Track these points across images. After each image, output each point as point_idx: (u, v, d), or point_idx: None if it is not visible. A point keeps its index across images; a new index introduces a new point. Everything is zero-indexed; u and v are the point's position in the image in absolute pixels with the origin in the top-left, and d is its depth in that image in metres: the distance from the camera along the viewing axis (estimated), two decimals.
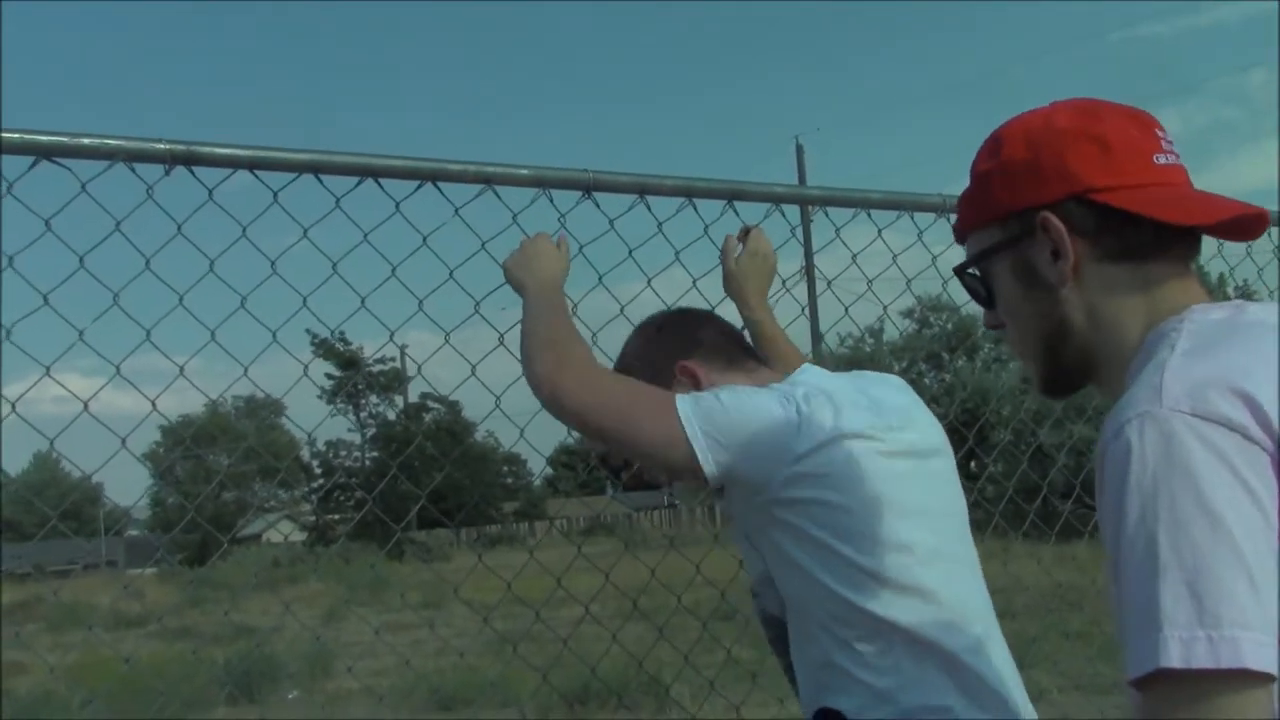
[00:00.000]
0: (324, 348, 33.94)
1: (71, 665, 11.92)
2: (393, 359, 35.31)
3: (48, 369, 2.14)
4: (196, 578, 25.96)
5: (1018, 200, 1.28)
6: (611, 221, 2.46)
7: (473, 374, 2.50)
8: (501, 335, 2.37)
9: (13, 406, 2.08)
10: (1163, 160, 1.26)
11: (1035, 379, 1.35)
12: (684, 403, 1.73)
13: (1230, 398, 1.04)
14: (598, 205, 2.41)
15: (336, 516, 35.80)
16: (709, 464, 1.70)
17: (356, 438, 38.63)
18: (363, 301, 2.38)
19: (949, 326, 26.72)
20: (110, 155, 2.02)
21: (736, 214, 2.50)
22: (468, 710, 9.13)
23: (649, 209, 2.49)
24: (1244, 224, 1.26)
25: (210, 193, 2.14)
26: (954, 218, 2.69)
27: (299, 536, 37.97)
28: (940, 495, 1.88)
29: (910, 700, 1.71)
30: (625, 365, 2.03)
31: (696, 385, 1.92)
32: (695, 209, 2.51)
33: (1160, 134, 1.28)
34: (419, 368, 2.62)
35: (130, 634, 17.82)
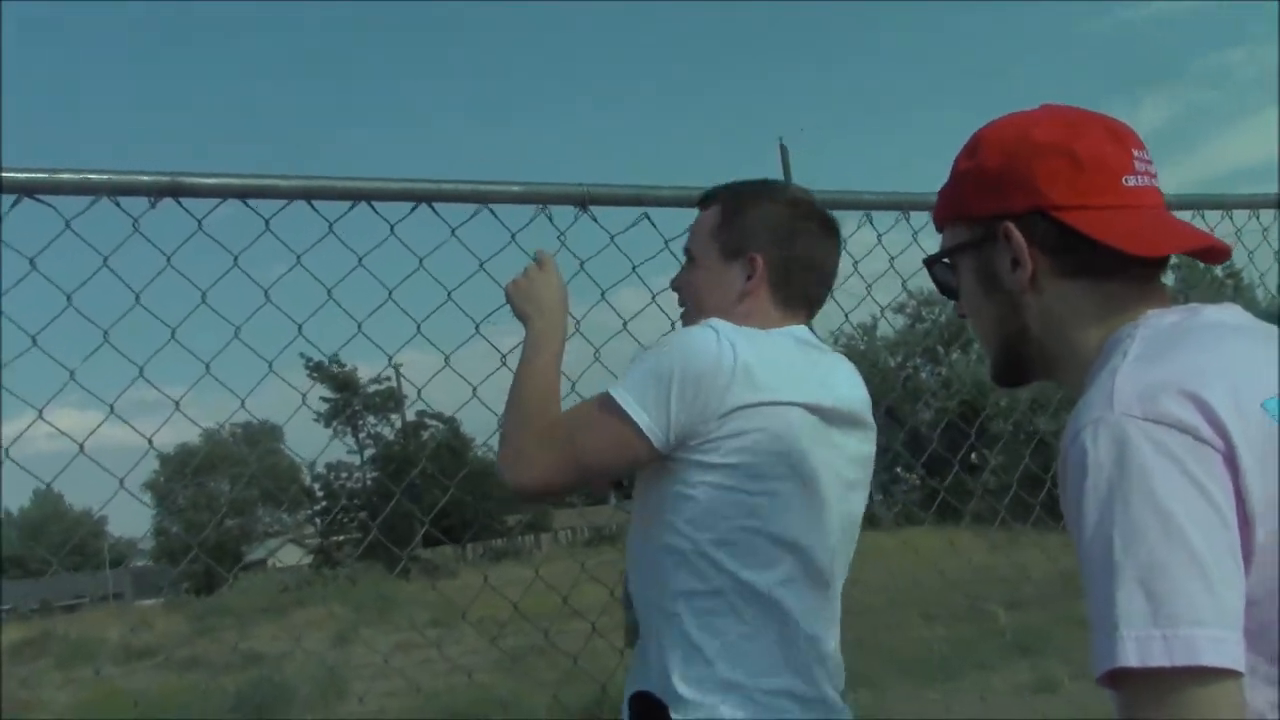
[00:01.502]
0: (319, 371, 33.89)
1: (82, 702, 11.86)
2: (388, 378, 35.29)
3: (40, 412, 2.10)
4: (204, 607, 25.91)
5: (985, 206, 1.30)
6: (612, 237, 2.43)
7: (474, 395, 2.46)
8: (504, 356, 2.35)
9: (6, 452, 2.04)
10: (1133, 182, 1.26)
11: (989, 368, 1.39)
12: (621, 398, 1.76)
13: (1180, 400, 1.06)
14: (594, 219, 2.38)
15: (341, 538, 35.75)
16: (660, 442, 1.75)
17: (356, 459, 38.60)
18: (359, 327, 2.34)
19: (942, 320, 26.73)
20: (93, 190, 1.98)
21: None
22: None
23: (650, 221, 2.46)
24: (1202, 255, 1.30)
25: (199, 223, 2.11)
26: None
27: (305, 560, 37.96)
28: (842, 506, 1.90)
29: (735, 671, 1.75)
30: (731, 198, 2.01)
31: (746, 278, 1.94)
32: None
33: (1138, 153, 1.28)
34: (418, 391, 2.57)
35: (140, 666, 17.76)
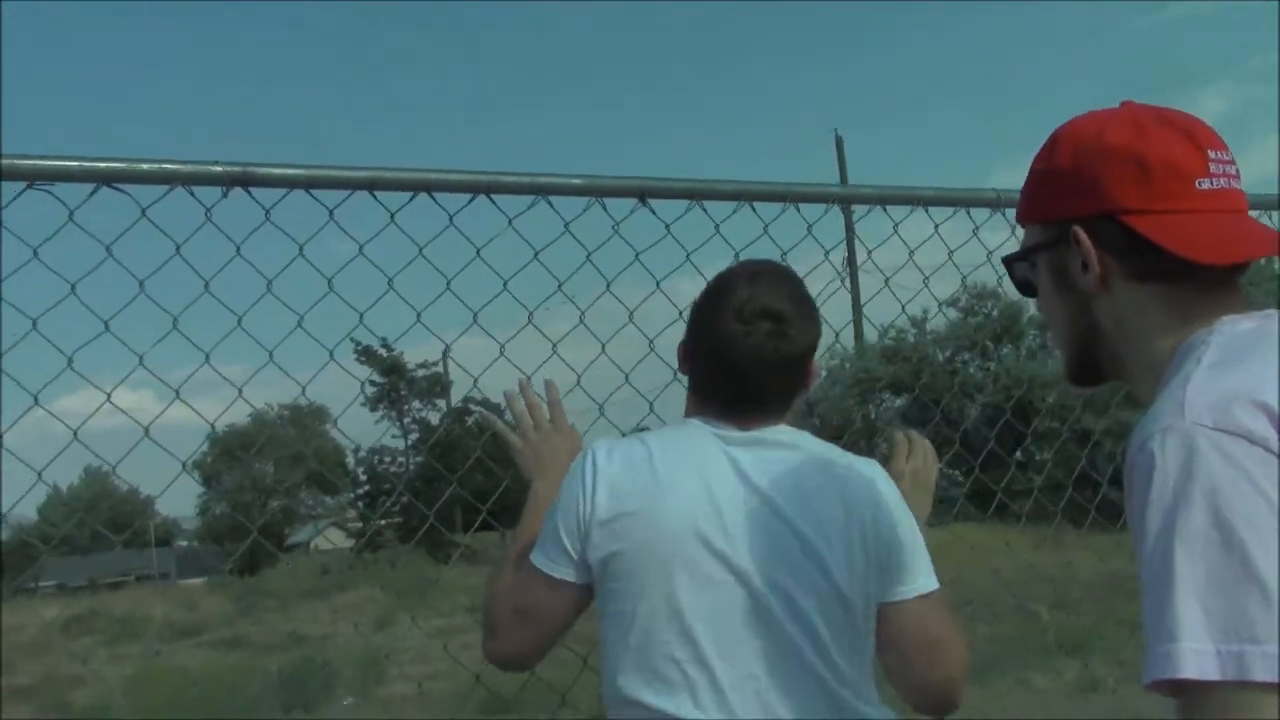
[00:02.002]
0: (367, 355, 34.14)
1: (129, 677, 12.06)
2: (434, 364, 35.47)
3: (109, 395, 2.16)
4: (246, 587, 26.24)
5: (1057, 208, 1.32)
6: (668, 227, 2.45)
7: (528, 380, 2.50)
8: (554, 345, 2.40)
9: (74, 433, 2.09)
10: (1206, 185, 1.25)
11: (1064, 368, 1.40)
12: (537, 561, 1.80)
13: (1253, 410, 1.05)
14: (654, 212, 2.41)
15: (383, 522, 36.00)
16: (577, 574, 1.78)
17: (400, 443, 38.87)
18: (418, 316, 2.39)
19: (994, 314, 26.52)
20: (168, 180, 2.03)
21: (797, 210, 2.50)
22: (521, 713, 9.14)
23: (705, 211, 2.48)
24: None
25: (267, 213, 2.14)
26: (1009, 212, 2.68)
27: (347, 543, 38.26)
28: None
29: None
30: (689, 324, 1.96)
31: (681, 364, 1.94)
32: (754, 209, 2.51)
33: (1214, 154, 1.26)
34: (475, 382, 2.59)
35: (185, 645, 18.03)
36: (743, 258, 2.59)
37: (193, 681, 12.07)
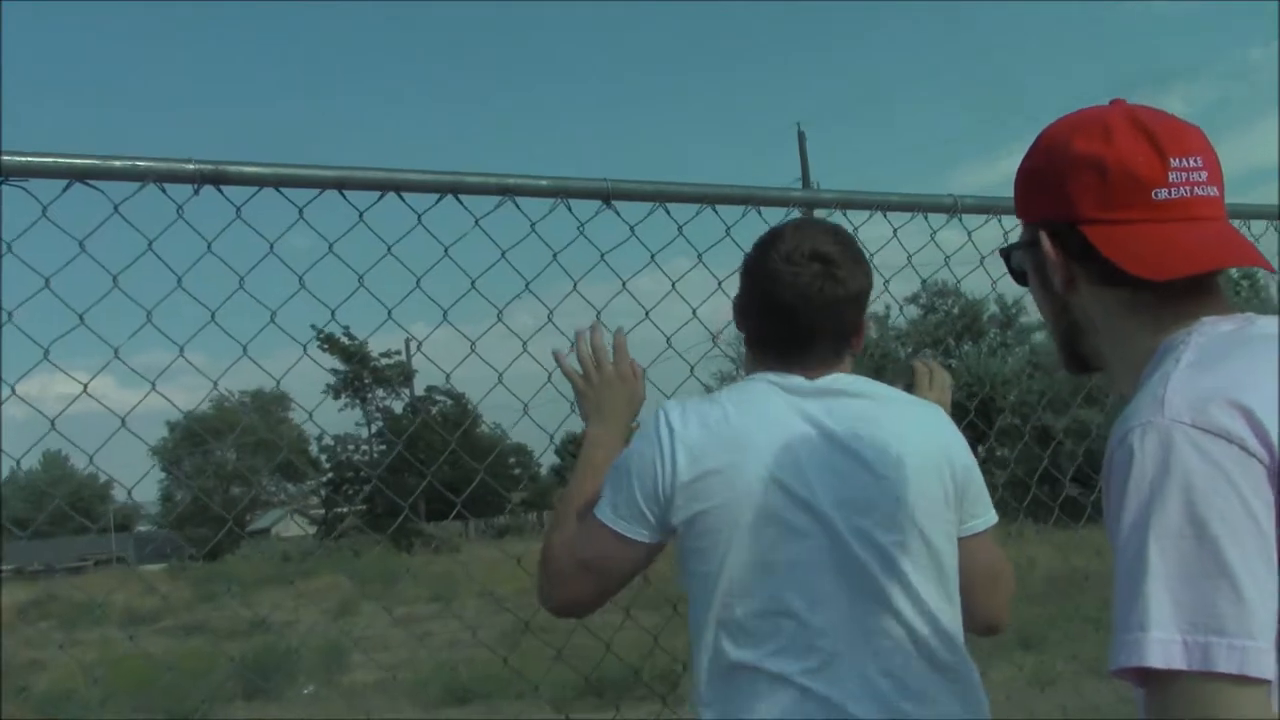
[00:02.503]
0: (330, 343, 34.01)
1: (90, 662, 12.00)
2: (398, 352, 35.38)
3: (85, 387, 2.19)
4: (207, 573, 26.07)
5: (1030, 209, 1.36)
6: (632, 228, 2.50)
7: (499, 382, 2.55)
8: (524, 343, 2.48)
9: (51, 423, 2.12)
10: (1164, 195, 1.24)
11: (1057, 357, 1.43)
12: (603, 516, 1.83)
13: (1230, 411, 1.08)
14: (618, 214, 2.45)
15: (345, 509, 35.90)
16: (648, 538, 1.82)
17: (363, 432, 38.76)
18: (389, 313, 2.42)
19: (955, 311, 26.74)
20: (141, 177, 2.05)
21: (759, 214, 2.56)
22: (485, 702, 9.20)
23: (668, 213, 2.53)
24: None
25: (238, 210, 2.17)
26: (966, 218, 2.74)
27: (309, 530, 38.10)
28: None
29: None
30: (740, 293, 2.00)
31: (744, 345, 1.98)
32: (715, 211, 2.56)
33: (1179, 161, 1.25)
34: (447, 376, 2.63)
35: (144, 630, 17.90)
36: (706, 259, 2.66)
37: (155, 667, 12.02)
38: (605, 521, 1.83)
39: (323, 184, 2.20)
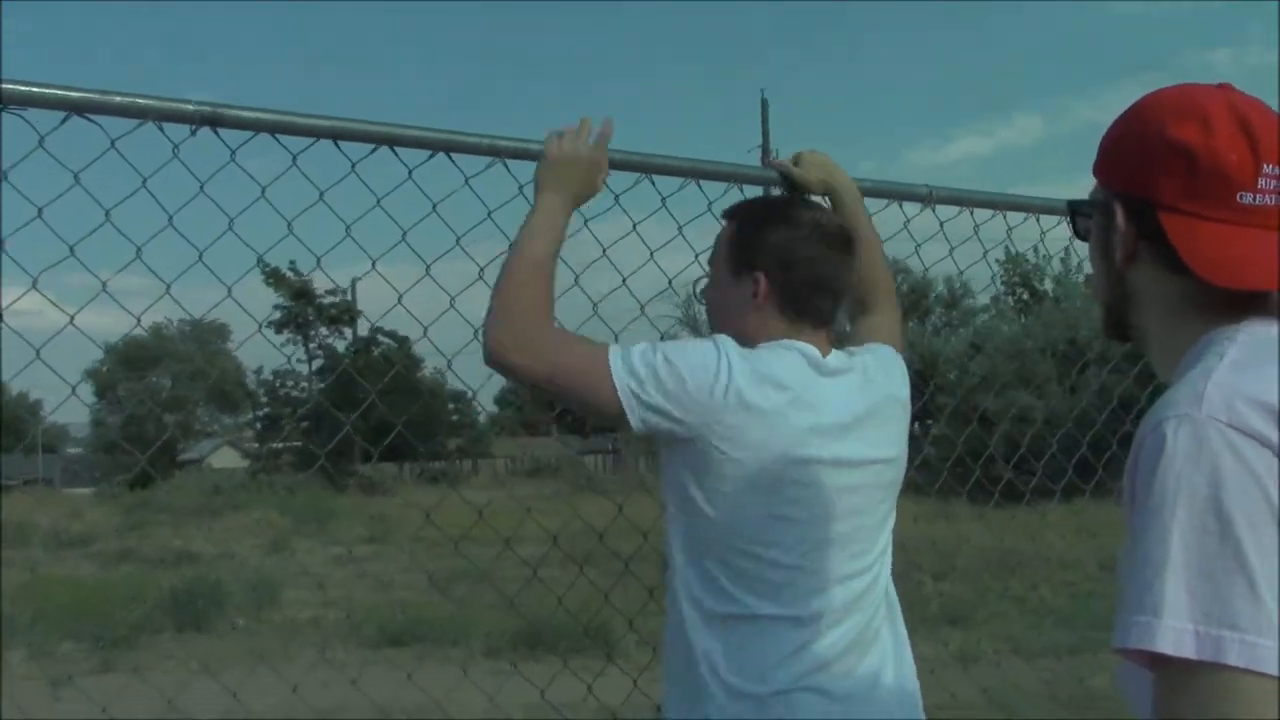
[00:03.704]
0: (275, 278, 33.66)
1: (17, 585, 11.87)
2: (344, 290, 35.06)
3: (72, 318, 2.21)
4: (136, 500, 25.80)
5: (1112, 176, 1.35)
6: (617, 197, 2.51)
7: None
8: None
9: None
10: (1248, 199, 1.24)
11: (1100, 320, 1.44)
12: (616, 365, 1.88)
13: (1265, 415, 1.10)
14: (605, 183, 2.47)
15: (280, 445, 35.64)
16: (636, 421, 1.88)
17: (304, 369, 38.42)
18: (374, 264, 2.45)
19: (904, 288, 26.98)
20: (140, 114, 2.06)
21: (740, 190, 2.60)
22: (421, 645, 9.23)
23: (653, 184, 2.56)
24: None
25: (233, 153, 2.19)
26: (940, 209, 2.78)
27: (242, 464, 37.84)
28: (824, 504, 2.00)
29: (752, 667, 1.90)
30: (745, 215, 2.13)
31: (750, 298, 2.04)
32: (700, 187, 2.60)
33: (1271, 168, 1.24)
34: (425, 326, 2.66)
35: (71, 555, 17.73)
36: (686, 232, 2.70)
37: (84, 591, 11.96)
38: (615, 371, 1.88)
39: (319, 133, 2.21)
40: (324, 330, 38.11)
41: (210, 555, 16.75)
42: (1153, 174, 1.27)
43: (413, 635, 9.64)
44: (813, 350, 2.00)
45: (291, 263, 30.71)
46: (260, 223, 2.45)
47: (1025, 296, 26.76)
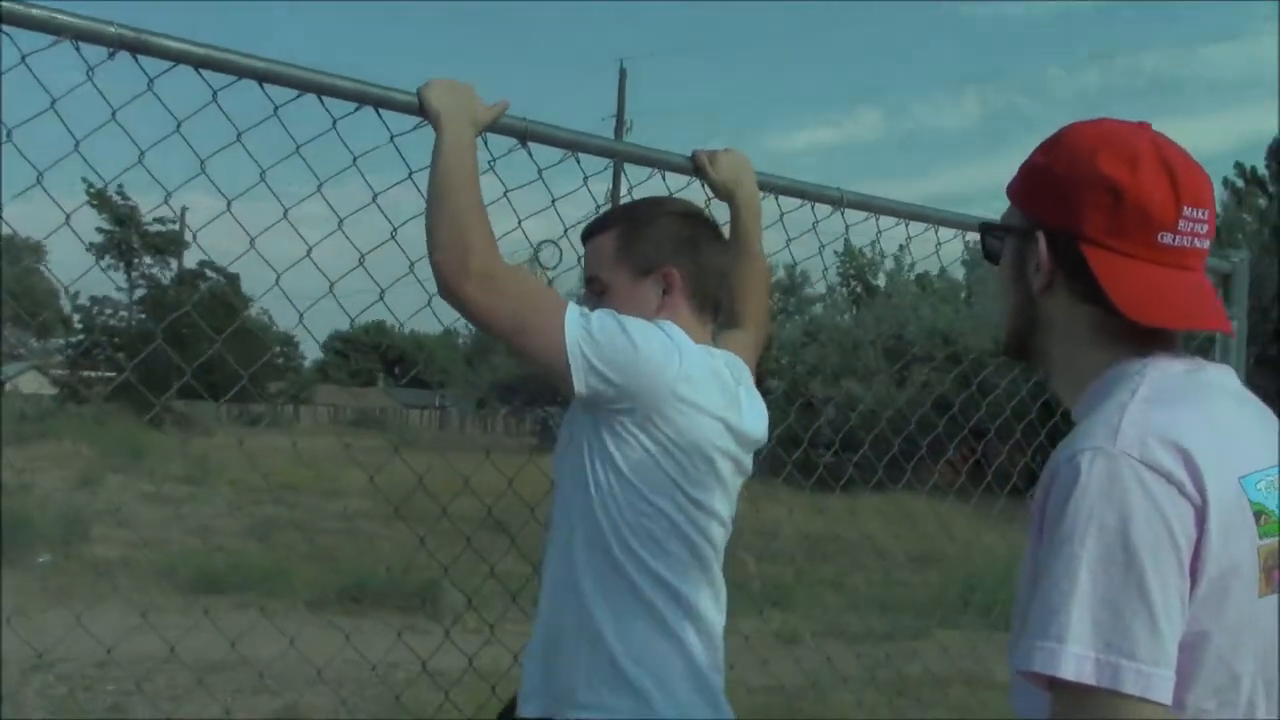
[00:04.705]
0: (100, 200, 32.14)
1: None
2: (172, 220, 33.74)
3: None
4: None
5: (1033, 205, 1.38)
6: (540, 171, 2.50)
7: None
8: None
9: None
10: (1168, 240, 1.29)
11: (1003, 340, 1.48)
12: (573, 323, 1.86)
13: (1174, 454, 1.17)
14: (530, 155, 2.43)
15: (93, 374, 34.16)
16: (580, 385, 1.86)
17: (124, 297, 36.85)
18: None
19: None
20: (58, 31, 1.94)
21: (663, 179, 2.59)
22: (239, 594, 8.99)
23: (578, 164, 2.54)
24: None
25: (150, 82, 2.09)
26: (848, 213, 2.83)
27: (49, 391, 36.12)
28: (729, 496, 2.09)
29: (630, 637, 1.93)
30: (628, 219, 2.12)
31: (662, 292, 2.06)
32: (625, 172, 2.60)
33: (1190, 211, 1.29)
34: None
35: None
36: (558, 203, 2.68)
37: None
38: (568, 321, 1.86)
39: (245, 73, 2.12)
40: (148, 260, 36.64)
41: (13, 485, 15.94)
42: (1079, 208, 1.30)
43: (231, 583, 9.36)
44: (724, 363, 2.07)
45: (119, 187, 29.41)
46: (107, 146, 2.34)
47: (859, 290, 27.48)
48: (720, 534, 2.05)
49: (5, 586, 8.46)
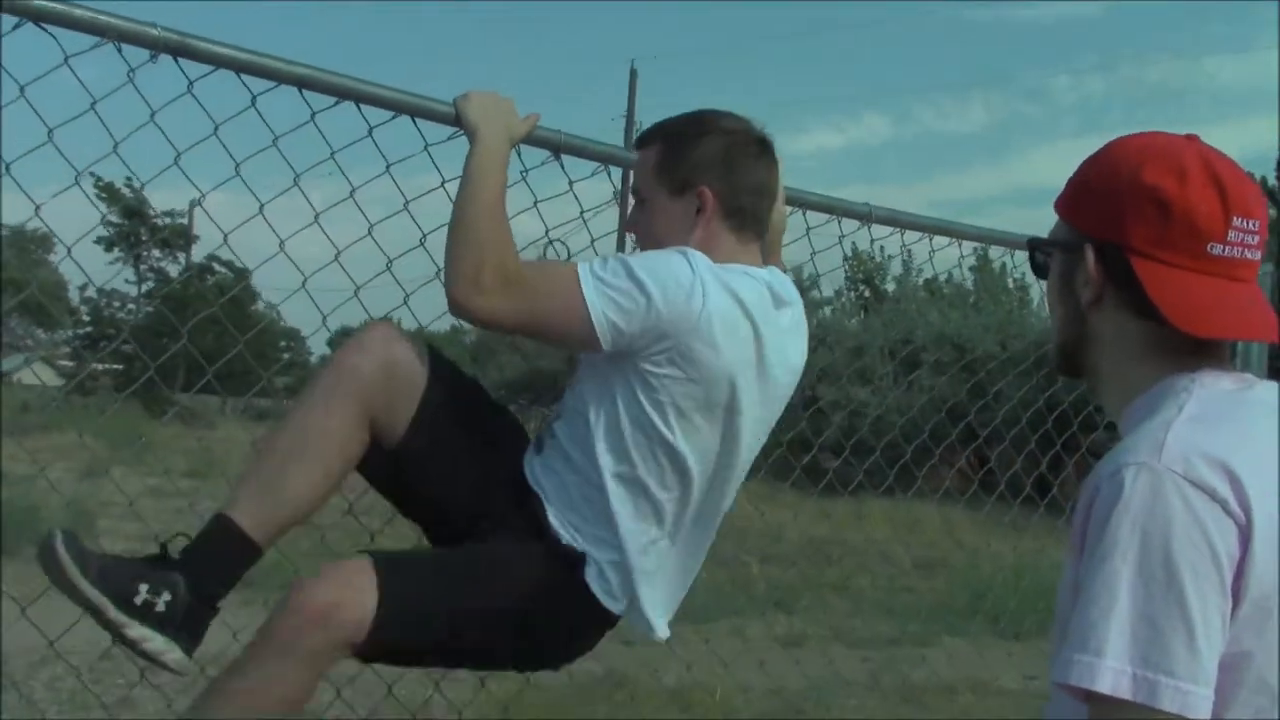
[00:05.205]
0: (109, 192, 32.16)
1: None
2: (181, 214, 33.77)
3: None
4: None
5: (1081, 218, 1.38)
6: (571, 183, 2.52)
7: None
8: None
9: None
10: (1218, 251, 1.29)
11: (1052, 355, 1.48)
12: (589, 289, 1.89)
13: (1220, 471, 1.17)
14: (563, 168, 2.46)
15: (100, 367, 34.19)
16: (607, 343, 1.90)
17: (133, 290, 36.92)
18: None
19: None
20: (101, 32, 1.96)
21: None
22: (251, 589, 8.96)
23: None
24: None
25: (190, 85, 2.11)
26: (875, 229, 2.84)
27: (55, 382, 36.14)
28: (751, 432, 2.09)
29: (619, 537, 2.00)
30: (671, 135, 2.12)
31: (696, 212, 2.06)
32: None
33: (1240, 221, 1.30)
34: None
35: None
36: (587, 216, 2.69)
37: None
38: (586, 287, 1.89)
39: (284, 79, 2.14)
40: (157, 253, 36.70)
41: (16, 476, 15.92)
42: (1125, 220, 1.31)
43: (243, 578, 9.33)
44: (780, 281, 2.09)
45: (128, 178, 29.36)
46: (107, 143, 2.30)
47: (867, 294, 27.39)
48: (722, 476, 2.09)
49: (12, 577, 8.46)
